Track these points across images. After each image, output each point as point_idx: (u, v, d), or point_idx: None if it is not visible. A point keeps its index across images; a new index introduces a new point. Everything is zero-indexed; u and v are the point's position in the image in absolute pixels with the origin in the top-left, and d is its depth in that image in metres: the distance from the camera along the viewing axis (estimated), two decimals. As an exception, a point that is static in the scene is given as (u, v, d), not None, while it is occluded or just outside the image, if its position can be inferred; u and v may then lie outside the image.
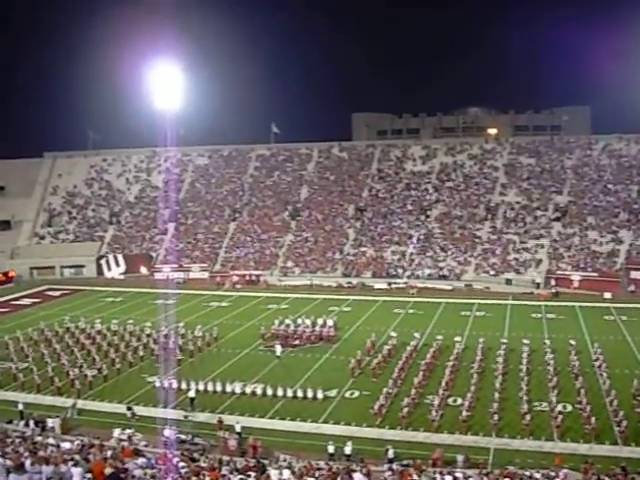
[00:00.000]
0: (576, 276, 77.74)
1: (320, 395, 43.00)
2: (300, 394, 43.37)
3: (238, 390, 44.45)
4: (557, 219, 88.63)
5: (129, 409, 41.66)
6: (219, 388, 44.71)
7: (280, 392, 43.63)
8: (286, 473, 27.68)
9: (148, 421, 39.82)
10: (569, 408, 39.91)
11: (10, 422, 38.59)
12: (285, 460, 32.27)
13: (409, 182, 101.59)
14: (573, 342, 51.31)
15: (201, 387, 44.60)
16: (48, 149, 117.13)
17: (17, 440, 29.23)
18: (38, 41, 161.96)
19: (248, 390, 44.40)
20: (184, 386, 44.62)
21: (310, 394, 43.14)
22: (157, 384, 45.79)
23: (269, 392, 43.82)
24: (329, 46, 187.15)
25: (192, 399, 42.66)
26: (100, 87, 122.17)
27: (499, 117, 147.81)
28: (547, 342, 51.97)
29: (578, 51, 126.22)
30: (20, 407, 41.34)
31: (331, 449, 34.86)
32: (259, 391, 44.12)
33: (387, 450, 34.03)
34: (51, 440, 31.80)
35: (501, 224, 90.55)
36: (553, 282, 77.39)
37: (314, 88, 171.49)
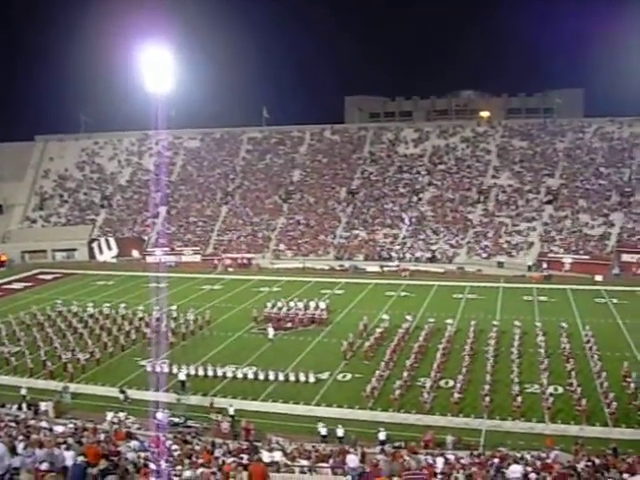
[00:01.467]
0: (567, 259, 77.93)
1: (312, 379, 43.09)
2: (292, 378, 43.48)
3: (230, 374, 44.53)
4: (549, 202, 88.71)
5: (122, 392, 41.77)
6: (211, 372, 44.77)
7: (272, 376, 43.75)
8: (278, 455, 27.82)
9: (141, 404, 39.91)
10: (560, 390, 40.18)
11: (3, 406, 38.63)
12: (277, 442, 32.44)
13: (401, 165, 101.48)
14: (564, 324, 51.54)
15: (193, 371, 44.64)
16: (39, 132, 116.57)
17: (10, 423, 29.28)
18: (29, 24, 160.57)
19: (240, 374, 44.48)
20: (175, 370, 44.62)
21: (302, 378, 43.25)
22: (149, 368, 45.81)
23: (261, 376, 43.91)
24: (321, 28, 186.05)
25: (183, 382, 42.78)
26: (91, 70, 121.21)
27: (492, 100, 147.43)
28: (538, 324, 52.14)
29: (572, 34, 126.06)
30: (23, 392, 41.25)
31: (323, 431, 35.05)
32: (251, 375, 44.22)
33: (378, 432, 34.26)
34: (44, 423, 31.89)
35: (493, 207, 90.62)
36: (545, 265, 77.63)
37: (306, 71, 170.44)
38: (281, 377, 43.66)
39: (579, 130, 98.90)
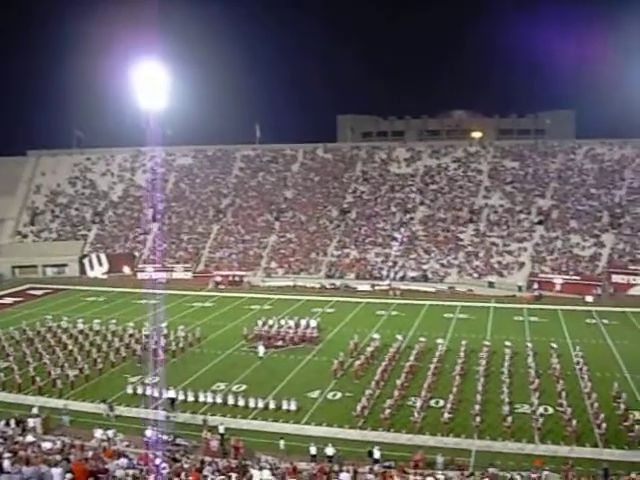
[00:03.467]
0: (558, 279, 78.11)
1: (293, 406, 41.49)
2: (272, 405, 41.82)
3: (210, 400, 42.89)
4: (540, 222, 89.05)
5: (109, 406, 41.53)
6: (192, 398, 43.22)
7: (252, 403, 41.96)
8: (267, 474, 27.69)
9: (130, 421, 39.70)
10: (550, 410, 40.12)
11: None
12: (267, 461, 32.27)
13: (393, 184, 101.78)
14: (555, 345, 51.60)
15: (179, 395, 43.24)
16: (32, 147, 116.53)
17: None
18: (23, 39, 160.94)
19: (219, 399, 42.66)
20: (163, 389, 43.92)
21: (285, 405, 41.55)
22: (129, 390, 45.21)
23: (241, 402, 42.13)
24: (315, 48, 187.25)
25: (172, 400, 42.50)
26: (85, 85, 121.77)
27: (484, 120, 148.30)
28: (529, 345, 52.19)
29: (563, 55, 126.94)
30: (35, 410, 40.84)
31: (313, 450, 34.86)
32: (231, 401, 42.32)
33: (371, 451, 34.12)
34: (31, 439, 31.67)
35: (484, 227, 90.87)
36: (536, 285, 77.74)
37: (299, 89, 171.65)
38: (261, 404, 41.94)
39: (570, 151, 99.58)
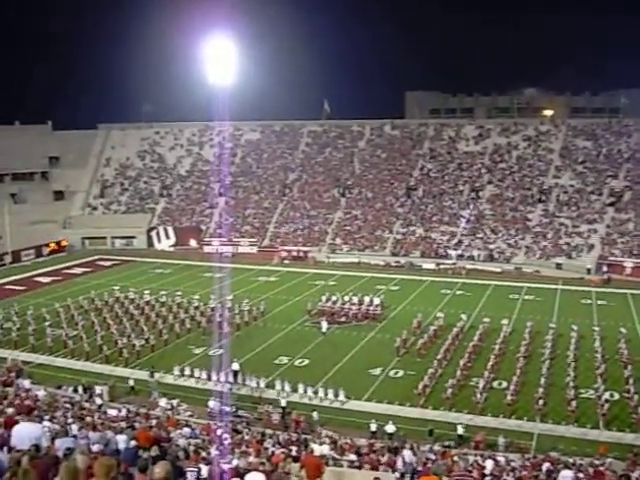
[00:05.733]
0: (629, 263, 76.17)
1: (341, 397, 40.00)
2: (321, 394, 40.36)
3: (254, 384, 41.56)
4: (612, 204, 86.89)
5: (151, 374, 42.46)
6: (243, 382, 42.33)
7: (301, 389, 40.68)
8: (327, 448, 27.86)
9: (193, 392, 40.43)
10: (616, 396, 39.40)
11: (59, 387, 39.50)
12: (327, 436, 32.49)
13: (461, 162, 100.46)
14: (623, 330, 50.44)
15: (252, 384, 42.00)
16: (103, 121, 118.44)
17: (66, 405, 29.90)
18: (93, 13, 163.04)
19: (262, 384, 41.53)
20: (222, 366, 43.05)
21: (331, 395, 40.12)
22: (176, 372, 44.33)
23: (287, 388, 40.77)
24: (383, 24, 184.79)
25: (235, 372, 43.01)
26: (155, 60, 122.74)
27: (555, 98, 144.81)
28: (596, 329, 51.12)
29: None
30: (131, 383, 42.10)
31: (373, 427, 34.99)
32: (278, 386, 40.84)
33: (432, 430, 34.12)
34: (98, 402, 32.55)
35: (554, 207, 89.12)
36: (605, 268, 75.99)
37: (367, 65, 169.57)
38: (310, 392, 40.65)
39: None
